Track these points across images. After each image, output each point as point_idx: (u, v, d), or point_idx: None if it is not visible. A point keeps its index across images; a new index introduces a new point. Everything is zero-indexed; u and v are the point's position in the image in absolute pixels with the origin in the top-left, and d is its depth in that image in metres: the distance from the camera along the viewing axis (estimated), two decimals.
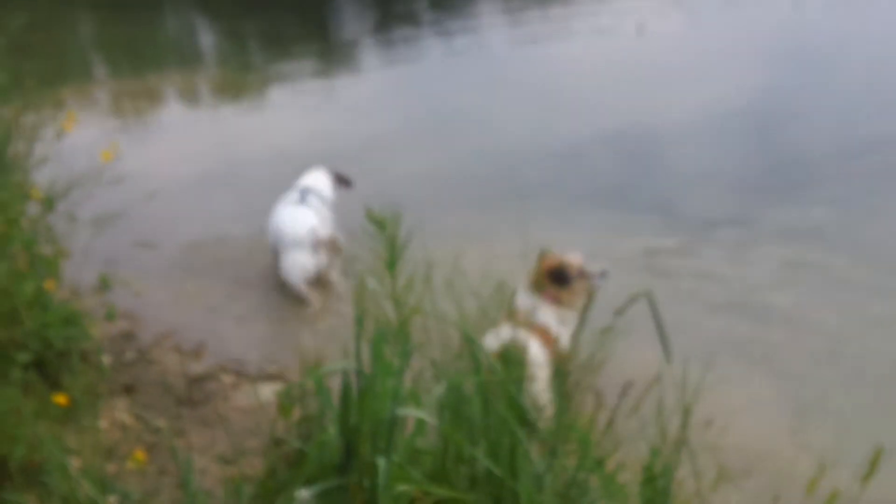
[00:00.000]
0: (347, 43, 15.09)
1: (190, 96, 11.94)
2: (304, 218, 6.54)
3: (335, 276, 6.58)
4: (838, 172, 8.55)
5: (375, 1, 18.76)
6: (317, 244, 6.41)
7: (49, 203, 5.49)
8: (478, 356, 3.35)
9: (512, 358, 3.67)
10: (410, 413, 3.01)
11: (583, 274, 5.29)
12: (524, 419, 3.34)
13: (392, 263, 3.70)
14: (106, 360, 5.12)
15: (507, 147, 9.46)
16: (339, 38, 15.48)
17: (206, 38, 16.17)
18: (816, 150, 9.14)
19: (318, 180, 7.01)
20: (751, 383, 5.39)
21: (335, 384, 3.22)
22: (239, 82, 12.38)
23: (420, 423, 3.18)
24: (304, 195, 6.74)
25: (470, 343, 3.40)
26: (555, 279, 5.12)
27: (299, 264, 6.43)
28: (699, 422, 3.30)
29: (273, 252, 6.67)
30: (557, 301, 5.14)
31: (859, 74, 11.51)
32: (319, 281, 6.54)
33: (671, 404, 3.13)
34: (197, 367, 5.54)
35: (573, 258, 5.33)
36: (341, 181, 7.20)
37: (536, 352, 4.36)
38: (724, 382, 4.83)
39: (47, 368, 4.63)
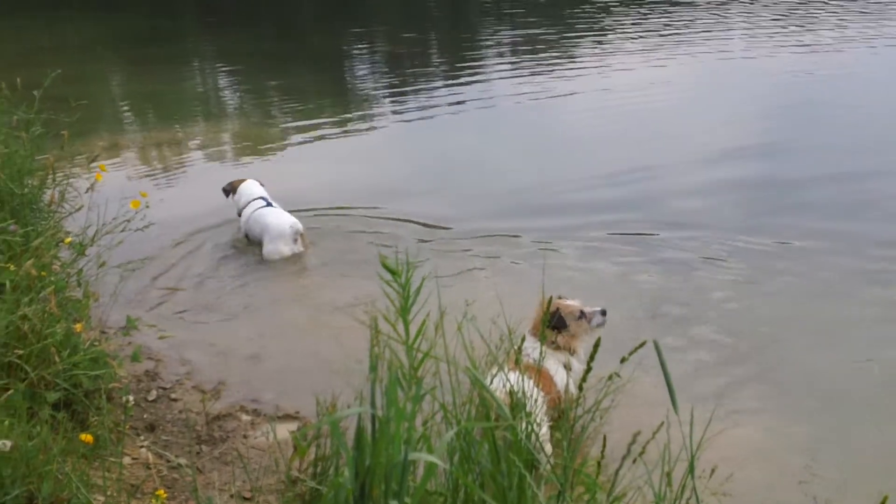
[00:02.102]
0: (364, 96, 15.16)
1: (214, 147, 11.93)
2: (285, 217, 8.00)
3: (308, 256, 8.02)
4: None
5: (390, 57, 18.91)
6: (297, 235, 7.91)
7: (80, 248, 5.46)
8: (487, 401, 3.29)
9: (518, 402, 3.60)
10: (422, 457, 2.93)
11: (582, 316, 5.28)
12: (532, 463, 3.27)
13: (405, 310, 3.63)
14: (130, 399, 5.05)
15: (513, 190, 9.48)
16: (356, 93, 15.56)
17: (230, 92, 16.23)
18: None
19: (259, 188, 8.44)
20: (758, 428, 5.28)
21: (348, 424, 3.16)
22: (260, 134, 12.41)
23: (431, 467, 3.11)
24: (267, 201, 8.24)
25: (479, 388, 3.34)
26: (552, 325, 5.11)
27: (279, 251, 7.86)
28: (705, 467, 3.22)
29: (252, 240, 8.11)
30: (556, 345, 5.14)
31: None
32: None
33: (677, 448, 3.06)
34: (217, 406, 5.47)
35: (571, 303, 5.32)
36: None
37: (534, 394, 4.30)
38: (731, 426, 4.77)
39: (75, 407, 4.57)
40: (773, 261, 7.68)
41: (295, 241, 7.90)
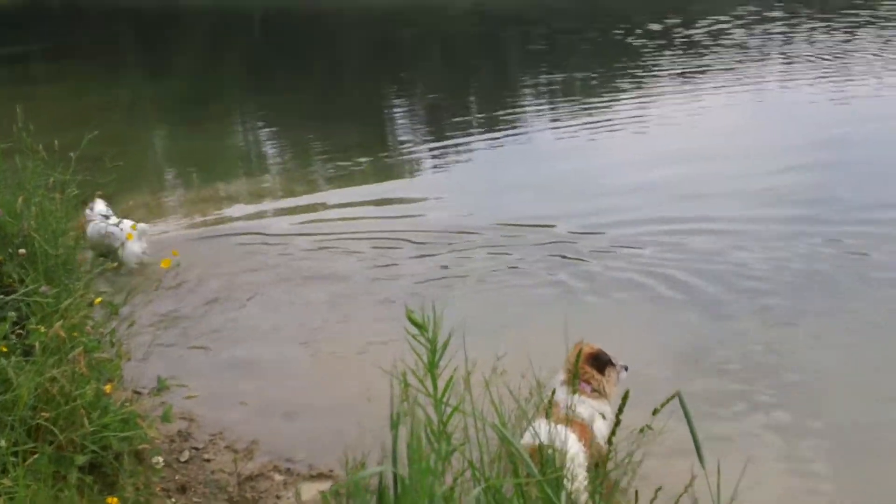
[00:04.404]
0: (403, 149, 15.25)
1: (253, 203, 11.96)
2: (126, 223, 8.76)
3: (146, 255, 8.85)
4: None
5: (428, 109, 19.07)
6: (142, 235, 8.79)
7: (114, 308, 5.54)
8: (515, 458, 3.24)
9: (549, 457, 3.54)
10: None
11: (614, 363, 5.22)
12: None
13: (433, 365, 3.61)
14: (161, 459, 5.07)
15: (545, 238, 9.50)
16: (396, 146, 15.67)
17: (272, 149, 16.43)
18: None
19: (103, 207, 9.11)
20: (792, 483, 5.15)
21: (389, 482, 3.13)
22: (300, 189, 12.47)
23: None
24: (108, 216, 8.98)
25: (507, 444, 3.29)
26: (595, 364, 5.02)
27: (134, 251, 8.65)
28: None
29: (100, 251, 8.63)
30: (595, 391, 5.03)
31: None
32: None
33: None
34: (249, 466, 5.47)
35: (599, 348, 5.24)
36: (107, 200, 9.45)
37: (575, 448, 4.22)
38: (762, 481, 4.65)
39: (104, 469, 4.60)
40: (819, 297, 7.70)
41: (141, 238, 8.79)
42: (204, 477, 5.30)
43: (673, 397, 3.38)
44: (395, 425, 3.04)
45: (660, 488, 3.00)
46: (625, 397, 3.35)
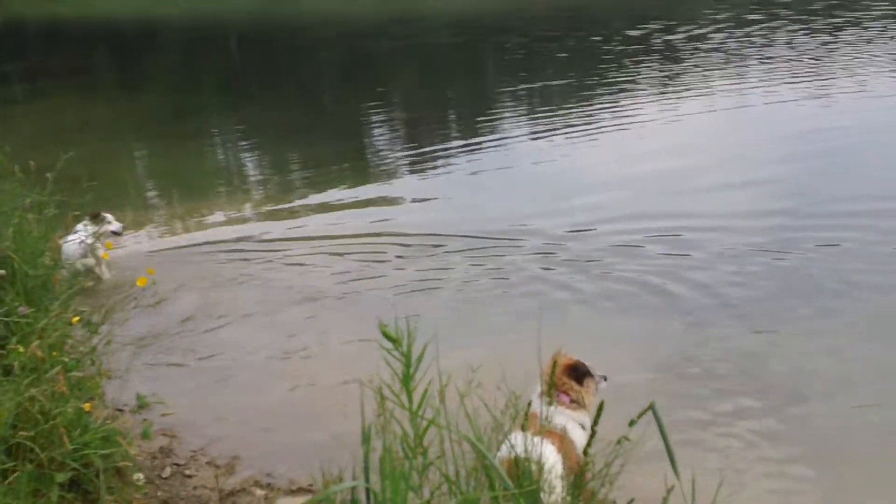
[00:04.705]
0: (383, 159, 15.31)
1: (232, 219, 11.92)
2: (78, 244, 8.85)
3: (106, 272, 9.13)
4: None
5: (408, 120, 19.11)
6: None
7: (93, 327, 5.57)
8: (490, 472, 3.29)
9: (525, 469, 3.58)
10: None
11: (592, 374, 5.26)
12: None
13: (407, 378, 3.65)
14: (142, 476, 5.09)
15: (525, 243, 9.59)
16: (376, 156, 15.72)
17: (250, 164, 16.38)
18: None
19: (82, 228, 9.25)
20: (770, 490, 5.22)
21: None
22: (279, 203, 12.44)
23: None
24: (79, 235, 9.16)
25: (482, 458, 3.34)
26: (573, 374, 5.05)
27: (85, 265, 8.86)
28: None
29: (75, 270, 8.59)
30: (574, 401, 5.06)
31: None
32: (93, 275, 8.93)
33: None
34: (231, 481, 5.50)
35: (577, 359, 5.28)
36: (96, 218, 9.50)
37: (552, 459, 4.27)
38: (741, 489, 4.70)
39: (85, 487, 4.63)
40: (799, 299, 7.85)
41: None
42: (186, 493, 5.33)
43: (648, 409, 3.44)
44: (366, 439, 3.08)
45: (632, 500, 3.06)
46: (599, 409, 3.40)
